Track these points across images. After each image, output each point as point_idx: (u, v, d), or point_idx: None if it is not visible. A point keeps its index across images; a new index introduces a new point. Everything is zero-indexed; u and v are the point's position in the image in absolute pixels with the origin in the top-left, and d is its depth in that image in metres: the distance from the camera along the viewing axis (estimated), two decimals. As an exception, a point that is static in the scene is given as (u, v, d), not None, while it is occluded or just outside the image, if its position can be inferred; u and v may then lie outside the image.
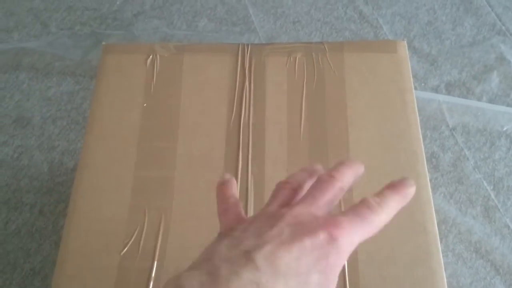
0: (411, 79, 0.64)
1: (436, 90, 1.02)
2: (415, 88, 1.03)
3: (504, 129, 0.98)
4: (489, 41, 1.09)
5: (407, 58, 0.65)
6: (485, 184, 0.93)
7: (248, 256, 0.28)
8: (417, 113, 0.62)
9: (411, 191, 0.34)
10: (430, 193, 0.57)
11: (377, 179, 0.58)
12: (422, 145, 0.60)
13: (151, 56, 0.66)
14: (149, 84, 0.64)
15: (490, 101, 1.01)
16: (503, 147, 0.97)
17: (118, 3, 1.12)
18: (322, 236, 0.29)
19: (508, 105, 1.01)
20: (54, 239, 0.88)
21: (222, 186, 0.39)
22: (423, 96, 1.01)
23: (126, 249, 0.53)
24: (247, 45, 0.67)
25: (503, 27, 1.09)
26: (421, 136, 0.61)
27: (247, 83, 0.64)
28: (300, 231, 0.30)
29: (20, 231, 0.89)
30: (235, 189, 0.39)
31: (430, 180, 0.93)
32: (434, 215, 0.56)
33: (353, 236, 0.31)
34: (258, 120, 0.61)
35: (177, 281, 0.27)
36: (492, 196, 0.92)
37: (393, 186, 0.34)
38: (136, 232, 0.54)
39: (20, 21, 1.10)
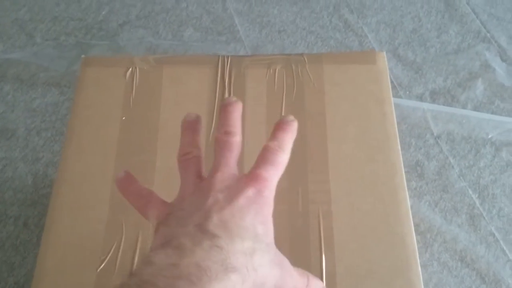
0: (390, 90, 0.64)
1: (420, 98, 1.02)
2: (400, 97, 1.03)
3: (489, 136, 0.98)
4: (474, 48, 1.09)
5: (386, 69, 0.65)
6: (470, 192, 0.94)
7: (202, 229, 0.30)
8: (396, 125, 0.62)
9: (295, 124, 0.40)
10: (409, 206, 0.57)
11: (356, 191, 0.58)
12: (401, 157, 0.60)
13: (130, 69, 0.65)
14: (128, 97, 0.63)
15: (475, 108, 1.01)
16: (488, 155, 0.97)
17: (103, 13, 1.12)
18: (251, 192, 0.33)
19: (493, 113, 1.01)
20: (37, 253, 0.87)
21: (120, 181, 0.39)
22: (407, 104, 1.01)
23: (102, 265, 0.53)
24: (227, 57, 0.67)
25: (488, 34, 1.10)
26: (399, 148, 0.61)
27: (226, 95, 0.64)
28: (232, 194, 0.33)
29: (4, 244, 0.88)
30: (135, 179, 0.40)
31: (415, 189, 0.93)
32: (413, 227, 0.56)
33: (272, 182, 0.36)
34: (238, 133, 0.61)
35: (146, 258, 0.29)
36: (477, 204, 0.92)
37: (280, 126, 0.39)
38: (113, 248, 0.54)
39: (5, 32, 1.09)
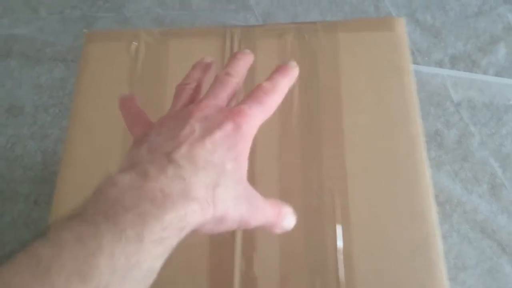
0: (410, 58, 0.60)
1: (440, 64, 0.98)
2: (418, 63, 0.99)
3: (511, 102, 0.94)
4: (495, 10, 1.04)
5: (405, 36, 0.62)
6: (492, 160, 0.90)
7: (169, 158, 0.31)
8: (416, 95, 0.59)
9: (295, 71, 0.39)
10: (430, 180, 0.54)
11: (373, 166, 0.55)
12: (421, 129, 0.57)
13: (135, 43, 0.63)
14: (133, 73, 0.61)
15: (497, 74, 0.97)
16: (510, 122, 0.93)
17: (108, -17, 1.09)
18: (229, 126, 0.33)
19: (515, 78, 0.97)
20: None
21: (124, 100, 0.42)
22: (426, 71, 0.97)
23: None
24: (236, 28, 0.63)
25: (511, -5, 1.04)
26: (420, 120, 0.58)
27: (236, 68, 0.61)
28: (209, 126, 0.33)
29: (16, 222, 0.88)
30: (137, 101, 0.41)
31: (434, 158, 0.90)
32: (434, 203, 0.53)
33: (254, 120, 0.35)
34: (248, 108, 0.59)
35: (111, 179, 0.29)
36: (499, 173, 0.89)
37: (281, 70, 0.38)
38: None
39: (9, 7, 1.07)
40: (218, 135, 0.33)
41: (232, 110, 0.34)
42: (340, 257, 0.51)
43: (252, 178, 0.55)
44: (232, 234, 0.53)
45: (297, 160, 0.55)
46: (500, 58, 0.99)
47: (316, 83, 0.59)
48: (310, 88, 0.59)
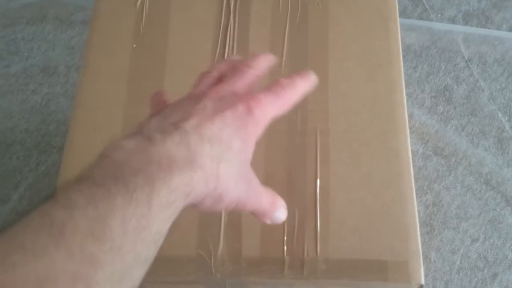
0: (396, 6, 0.63)
1: (453, 20, 0.99)
2: (431, 20, 1.00)
3: (524, 58, 0.94)
4: (513, -36, 1.03)
5: (393, -15, 0.64)
6: (500, 115, 0.91)
7: (176, 126, 0.31)
8: (399, 42, 0.61)
9: (314, 78, 0.40)
10: (406, 122, 0.57)
11: (354, 109, 0.59)
12: (402, 74, 0.60)
13: (140, -2, 0.68)
14: (138, 26, 0.66)
15: (510, 29, 0.97)
16: (522, 77, 0.93)
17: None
18: (241, 108, 0.34)
19: (530, 33, 0.96)
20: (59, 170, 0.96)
21: (155, 95, 0.42)
22: (438, 28, 0.98)
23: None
24: (233, -18, 0.68)
25: (531, -51, 1.02)
26: (401, 65, 0.60)
27: (231, 20, 0.65)
28: (221, 105, 0.34)
29: (50, 171, 0.96)
30: (166, 97, 0.41)
31: (442, 113, 0.92)
32: (409, 142, 0.57)
33: (268, 109, 0.35)
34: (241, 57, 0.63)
35: (116, 143, 0.30)
36: (507, 127, 0.90)
37: (301, 73, 0.40)
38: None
39: (44, -25, 1.14)
40: (229, 113, 0.33)
41: (246, 95, 0.35)
42: (317, 189, 0.55)
43: (240, 118, 0.60)
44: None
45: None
46: (515, 14, 0.98)
47: (306, 32, 0.63)
48: (300, 36, 0.63)
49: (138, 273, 0.27)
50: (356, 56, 0.61)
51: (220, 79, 0.39)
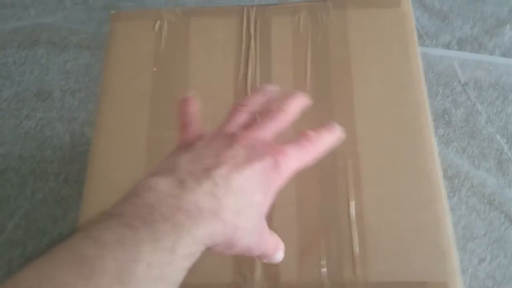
0: (415, 32, 0.64)
1: (447, 46, 1.02)
2: (426, 46, 1.03)
3: (517, 82, 0.97)
4: (501, -6, 1.07)
5: (410, 12, 0.66)
6: (498, 137, 0.94)
7: (208, 173, 0.32)
8: (421, 66, 0.63)
9: (339, 133, 0.41)
10: (434, 143, 0.58)
11: (381, 132, 0.59)
12: (426, 97, 0.61)
13: (158, 22, 0.67)
14: (158, 49, 0.66)
15: (503, 55, 1.01)
16: (516, 100, 0.96)
17: (129, -26, 1.14)
18: (269, 161, 0.35)
19: (521, 58, 1.00)
20: (79, 205, 0.92)
21: (185, 102, 0.43)
22: (434, 53, 1.01)
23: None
24: (252, 6, 0.68)
25: (516, -21, 1.08)
26: (425, 89, 0.62)
27: (252, 43, 0.65)
28: (251, 155, 0.34)
29: (47, 199, 0.93)
30: (197, 107, 0.43)
31: (443, 136, 0.94)
32: (438, 163, 0.57)
33: (293, 162, 0.37)
34: (265, 80, 0.63)
35: (148, 183, 0.31)
36: (505, 149, 0.92)
37: (327, 127, 0.41)
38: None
39: (36, -2, 1.12)
40: (258, 166, 0.34)
41: (275, 147, 0.36)
42: (352, 212, 0.55)
43: (269, 141, 0.60)
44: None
45: (310, 126, 0.59)
46: (506, 40, 1.03)
47: (328, 56, 0.64)
48: (322, 61, 0.63)
49: None
50: (379, 80, 0.62)
51: (252, 117, 0.40)
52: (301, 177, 0.57)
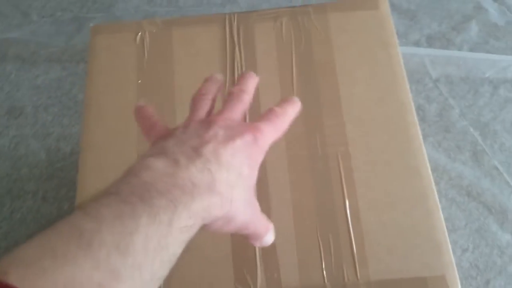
0: (394, 33, 0.66)
1: (417, 44, 1.04)
2: (397, 44, 1.05)
3: (486, 75, 1.01)
4: (465, -9, 1.11)
5: (389, 13, 0.67)
6: (472, 130, 0.97)
7: (198, 151, 0.34)
8: (403, 66, 0.64)
9: (299, 103, 0.43)
10: (421, 140, 0.60)
11: (370, 131, 0.60)
12: (410, 95, 0.62)
13: (140, 33, 0.67)
14: (141, 61, 0.65)
15: (471, 49, 1.04)
16: (486, 93, 1.00)
17: (96, -15, 1.12)
18: (249, 137, 0.37)
19: (488, 52, 1.04)
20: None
21: (141, 108, 0.43)
22: (405, 51, 1.03)
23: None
24: (234, 14, 0.68)
25: (478, -24, 1.11)
26: (408, 87, 0.63)
27: (237, 51, 0.65)
28: (231, 133, 0.36)
29: (26, 218, 0.91)
30: (152, 109, 0.43)
31: (419, 132, 0.96)
32: (427, 160, 0.59)
33: (269, 136, 0.39)
34: (251, 86, 0.63)
35: (146, 162, 0.32)
36: (480, 140, 0.95)
37: (288, 100, 0.43)
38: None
39: (0, 12, 1.09)
40: (240, 142, 0.36)
41: (250, 125, 0.38)
42: (348, 213, 0.56)
43: (262, 148, 0.60)
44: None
45: (301, 130, 0.60)
46: (473, 35, 1.06)
47: (312, 60, 0.65)
48: (307, 65, 0.64)
49: None
50: (364, 81, 0.63)
51: (213, 101, 0.42)
52: (294, 177, 0.58)
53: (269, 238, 0.41)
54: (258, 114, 0.61)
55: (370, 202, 0.56)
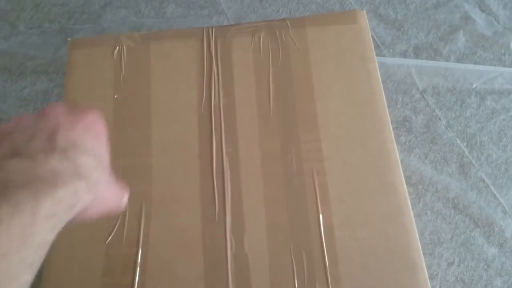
0: (372, 47, 0.66)
1: (404, 55, 1.04)
2: (384, 55, 1.05)
3: (473, 86, 1.00)
4: (453, 1, 1.11)
5: (367, 27, 0.67)
6: (459, 141, 0.96)
7: (52, 143, 0.33)
8: (380, 81, 0.64)
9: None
10: (398, 156, 0.59)
11: (346, 147, 0.60)
12: (387, 111, 0.62)
13: (117, 48, 0.67)
14: (118, 76, 0.65)
15: (458, 60, 1.03)
16: (473, 104, 0.99)
17: (84, -4, 1.12)
18: (88, 119, 0.36)
19: (475, 63, 1.03)
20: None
21: None
22: (392, 62, 1.03)
23: (110, 237, 0.55)
24: (212, 28, 0.68)
25: (466, -13, 1.11)
26: (385, 102, 0.63)
27: (214, 65, 0.65)
28: (72, 118, 0.35)
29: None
30: None
31: (405, 143, 0.96)
32: (403, 176, 0.58)
33: (98, 118, 0.38)
34: (228, 101, 0.63)
35: None
36: (466, 152, 0.95)
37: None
38: (119, 220, 0.56)
39: (-13, 24, 1.09)
40: (82, 125, 0.35)
41: (82, 111, 0.37)
42: (322, 229, 0.55)
43: (237, 164, 0.59)
44: (223, 216, 0.57)
45: (277, 145, 0.60)
46: (460, 46, 1.05)
47: (289, 75, 0.64)
48: (284, 79, 0.64)
49: (25, 278, 0.29)
50: (341, 96, 0.63)
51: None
52: (269, 194, 0.57)
53: (124, 201, 0.40)
54: (234, 129, 0.61)
55: (344, 218, 0.56)
